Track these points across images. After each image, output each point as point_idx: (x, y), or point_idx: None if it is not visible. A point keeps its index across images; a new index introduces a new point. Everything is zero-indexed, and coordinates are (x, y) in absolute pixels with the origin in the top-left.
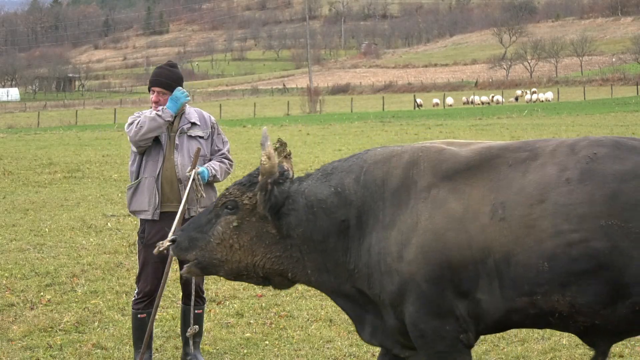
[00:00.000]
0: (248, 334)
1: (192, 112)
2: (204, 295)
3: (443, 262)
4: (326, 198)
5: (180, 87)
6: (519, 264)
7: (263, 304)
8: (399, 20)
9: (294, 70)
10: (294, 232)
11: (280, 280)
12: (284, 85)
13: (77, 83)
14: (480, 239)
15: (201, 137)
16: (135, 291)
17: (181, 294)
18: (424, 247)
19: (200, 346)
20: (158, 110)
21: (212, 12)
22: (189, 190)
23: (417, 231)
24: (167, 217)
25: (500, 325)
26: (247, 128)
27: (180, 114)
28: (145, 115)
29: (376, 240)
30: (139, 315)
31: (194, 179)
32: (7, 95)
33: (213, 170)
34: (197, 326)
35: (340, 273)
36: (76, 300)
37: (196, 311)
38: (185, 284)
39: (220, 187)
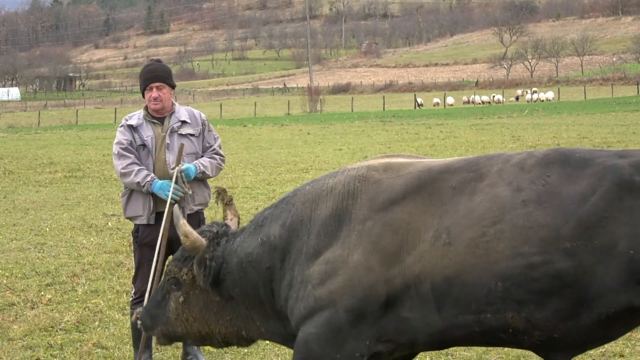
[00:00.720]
0: None
1: (182, 111)
2: None
3: (372, 295)
4: (252, 251)
5: (177, 187)
6: (466, 284)
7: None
8: (399, 19)
9: (294, 69)
10: (233, 292)
11: (238, 340)
12: (284, 84)
13: (77, 82)
14: (415, 267)
15: (192, 135)
16: (133, 291)
17: None
18: (352, 281)
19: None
20: (148, 178)
21: (213, 12)
22: (173, 190)
23: (347, 264)
24: (162, 217)
25: (439, 342)
26: (247, 127)
27: (170, 113)
28: (135, 174)
29: (298, 272)
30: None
31: (177, 177)
32: (8, 95)
33: (202, 167)
34: None
35: (282, 316)
36: (77, 299)
37: None
38: None
39: (212, 183)
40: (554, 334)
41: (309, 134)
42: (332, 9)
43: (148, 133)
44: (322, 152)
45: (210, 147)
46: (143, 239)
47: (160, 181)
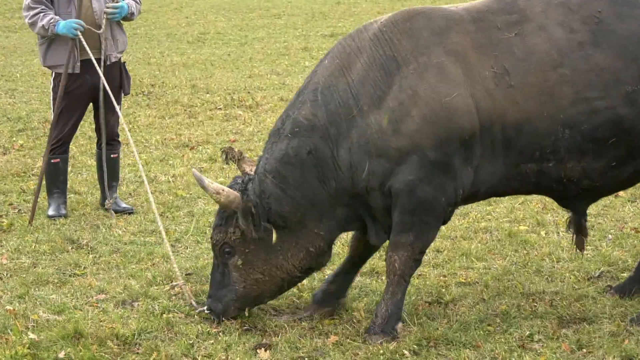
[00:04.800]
0: (221, 179)
1: None
2: (119, 138)
3: (451, 129)
4: (285, 151)
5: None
6: (535, 132)
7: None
8: None
9: None
10: (284, 212)
11: (312, 260)
12: None
13: None
14: (487, 104)
15: None
16: (52, 137)
17: (153, 138)
18: (429, 117)
19: (174, 191)
20: (52, 20)
21: None
22: (75, 24)
23: (417, 103)
24: (86, 65)
25: (493, 194)
26: None
27: None
28: (40, 19)
29: (358, 134)
30: (52, 161)
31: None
32: None
33: (132, 8)
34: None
35: (333, 204)
36: None
37: (111, 155)
38: (99, 129)
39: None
40: (597, 183)
41: None
42: None
43: None
44: None
45: None
46: (67, 88)
47: (63, 21)
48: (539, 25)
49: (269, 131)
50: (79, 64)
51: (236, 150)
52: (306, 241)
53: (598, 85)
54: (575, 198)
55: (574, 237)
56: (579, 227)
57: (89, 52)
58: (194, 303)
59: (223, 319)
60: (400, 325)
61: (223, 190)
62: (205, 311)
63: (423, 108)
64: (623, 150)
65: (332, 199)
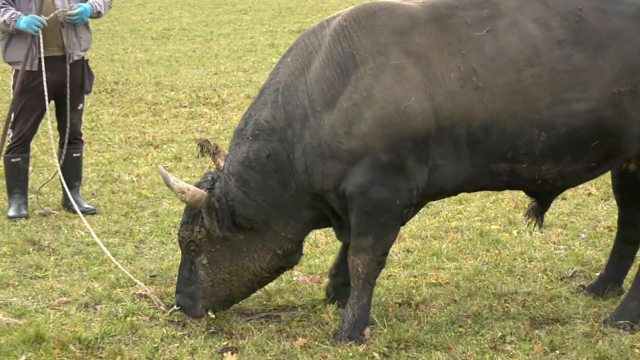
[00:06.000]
0: (186, 178)
1: None
2: (82, 137)
3: (405, 132)
4: (246, 154)
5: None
6: (506, 133)
7: (212, 143)
8: None
9: None
10: (249, 216)
11: (280, 261)
12: None
13: None
14: (448, 107)
15: None
16: (10, 136)
17: (117, 137)
18: (382, 120)
19: (138, 191)
20: (14, 15)
21: None
22: (35, 20)
23: (371, 105)
24: (47, 62)
25: (461, 190)
26: None
27: None
28: (1, 14)
29: (311, 136)
30: (12, 160)
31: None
32: None
33: (98, 7)
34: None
35: (298, 206)
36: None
37: (74, 154)
38: (61, 128)
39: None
40: (573, 182)
41: None
42: None
43: None
44: None
45: None
46: (27, 85)
47: (25, 16)
48: (512, 21)
49: (234, 129)
50: (37, 61)
51: (212, 143)
52: (273, 243)
53: (578, 87)
54: (548, 195)
55: (531, 219)
56: (538, 215)
57: (42, 50)
58: (162, 308)
59: (191, 317)
60: (367, 330)
61: (188, 189)
62: (175, 307)
63: (377, 111)
64: (603, 152)
65: (295, 201)
